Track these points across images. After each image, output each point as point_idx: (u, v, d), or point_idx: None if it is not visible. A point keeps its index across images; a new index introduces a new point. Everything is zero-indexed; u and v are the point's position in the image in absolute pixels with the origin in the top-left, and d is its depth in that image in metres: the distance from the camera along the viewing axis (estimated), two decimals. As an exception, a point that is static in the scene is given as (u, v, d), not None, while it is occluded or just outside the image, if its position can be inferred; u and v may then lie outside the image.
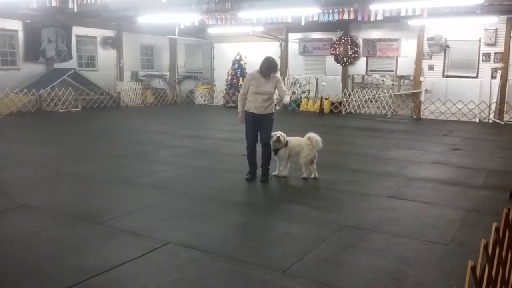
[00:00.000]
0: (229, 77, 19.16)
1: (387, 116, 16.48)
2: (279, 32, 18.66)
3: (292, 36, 18.93)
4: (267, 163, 6.88)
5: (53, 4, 10.98)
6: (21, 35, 16.21)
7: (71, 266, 3.85)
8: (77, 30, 17.82)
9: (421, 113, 16.02)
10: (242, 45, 19.12)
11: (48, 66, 17.05)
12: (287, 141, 6.90)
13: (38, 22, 16.37)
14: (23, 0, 11.55)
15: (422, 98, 16.13)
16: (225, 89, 19.56)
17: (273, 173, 7.04)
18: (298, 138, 7.15)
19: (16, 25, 15.99)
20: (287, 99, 6.95)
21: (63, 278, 3.63)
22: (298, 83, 18.79)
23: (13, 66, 16.15)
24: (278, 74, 6.97)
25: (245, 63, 18.95)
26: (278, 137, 6.83)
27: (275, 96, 6.93)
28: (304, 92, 18.69)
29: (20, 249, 4.21)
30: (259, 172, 6.92)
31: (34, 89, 15.41)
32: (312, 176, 7.04)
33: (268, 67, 6.65)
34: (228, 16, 14.41)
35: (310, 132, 7.07)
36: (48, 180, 6.82)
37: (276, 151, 6.90)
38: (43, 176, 7.06)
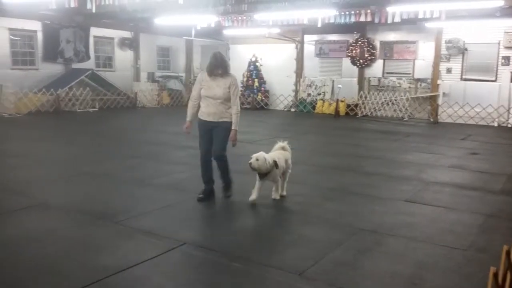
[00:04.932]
0: (245, 79, 19.19)
1: (404, 119, 16.33)
2: (295, 34, 18.63)
3: (308, 38, 18.88)
4: (225, 174, 5.86)
5: (72, 5, 11.10)
6: (40, 35, 16.43)
7: (88, 265, 3.89)
8: (95, 31, 18.01)
9: (439, 116, 15.84)
10: (257, 47, 19.12)
11: (66, 66, 17.26)
12: (275, 163, 5.63)
13: (57, 22, 16.59)
14: (42, 1, 11.69)
15: (440, 101, 15.96)
16: (240, 90, 19.59)
17: (250, 199, 5.69)
18: (280, 152, 6.03)
19: (35, 26, 16.21)
20: (234, 120, 5.60)
21: (80, 276, 3.66)
22: (313, 85, 18.73)
23: (32, 66, 16.38)
24: (233, 75, 5.70)
25: (260, 65, 18.96)
26: (250, 163, 5.49)
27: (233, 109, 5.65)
28: (319, 94, 18.62)
29: (37, 247, 4.25)
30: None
31: (53, 89, 15.61)
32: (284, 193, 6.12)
33: (213, 63, 5.56)
34: (244, 17, 14.43)
35: (279, 142, 6.20)
36: (66, 179, 6.89)
37: (262, 176, 5.67)
38: (60, 175, 7.14)
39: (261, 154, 5.55)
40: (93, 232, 4.68)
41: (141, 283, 3.61)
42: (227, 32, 18.52)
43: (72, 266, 3.87)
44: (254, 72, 18.98)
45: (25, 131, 11.97)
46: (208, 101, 5.60)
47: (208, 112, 5.63)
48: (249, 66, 19.05)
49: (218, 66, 5.56)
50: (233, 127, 5.60)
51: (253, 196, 5.68)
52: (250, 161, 5.49)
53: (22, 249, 4.21)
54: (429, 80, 16.50)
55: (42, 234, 4.59)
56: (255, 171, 5.57)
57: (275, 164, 5.62)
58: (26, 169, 7.48)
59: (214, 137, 5.65)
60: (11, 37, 15.67)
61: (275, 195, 5.93)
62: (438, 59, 16.12)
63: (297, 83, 19.05)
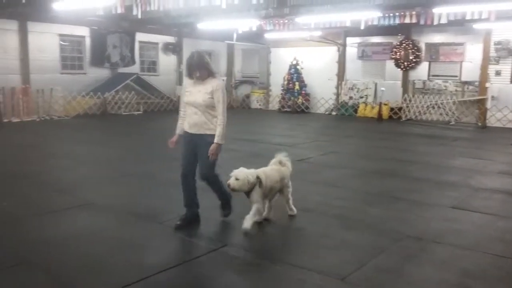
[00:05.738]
0: (285, 82, 19.17)
1: (450, 123, 15.84)
2: (337, 36, 18.44)
3: (350, 40, 18.63)
4: (219, 192, 5.12)
5: (119, 11, 11.41)
6: (88, 41, 16.98)
7: (133, 264, 3.98)
8: (140, 36, 18.46)
9: (487, 120, 15.27)
10: (299, 50, 19.06)
11: (113, 71, 17.77)
12: (259, 180, 4.82)
13: (104, 28, 17.12)
14: (91, 7, 12.09)
15: (488, 105, 15.38)
16: (281, 93, 19.59)
17: (244, 228, 4.64)
18: (273, 168, 5.26)
19: (83, 32, 16.78)
20: (218, 133, 4.72)
21: (125, 274, 3.75)
22: (355, 88, 18.48)
23: (80, 71, 16.95)
24: (219, 79, 4.92)
25: (301, 68, 18.88)
26: (229, 184, 4.72)
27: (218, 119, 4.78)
28: (362, 97, 18.35)
29: (83, 246, 4.39)
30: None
31: (100, 92, 16.14)
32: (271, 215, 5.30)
33: (188, 64, 4.80)
34: (286, 21, 14.42)
35: (278, 154, 5.43)
36: (111, 180, 7.09)
37: (246, 194, 4.90)
38: (106, 176, 7.36)
39: (241, 172, 4.78)
40: (138, 232, 4.78)
41: (185, 282, 3.66)
42: (268, 36, 18.53)
43: (117, 265, 3.97)
44: (295, 75, 18.90)
45: (73, 133, 12.40)
46: (190, 109, 4.87)
47: (189, 122, 4.90)
48: (290, 69, 19.00)
49: (195, 68, 4.74)
50: (215, 140, 4.73)
51: (263, 215, 5.04)
52: (228, 182, 4.74)
53: (69, 247, 4.36)
54: (476, 83, 15.93)
55: (89, 233, 4.74)
56: (235, 191, 4.77)
57: (259, 181, 4.81)
58: (74, 170, 7.75)
59: (198, 156, 4.89)
60: (61, 42, 16.29)
61: (246, 223, 4.64)
62: (486, 61, 15.54)
63: (338, 86, 18.85)
